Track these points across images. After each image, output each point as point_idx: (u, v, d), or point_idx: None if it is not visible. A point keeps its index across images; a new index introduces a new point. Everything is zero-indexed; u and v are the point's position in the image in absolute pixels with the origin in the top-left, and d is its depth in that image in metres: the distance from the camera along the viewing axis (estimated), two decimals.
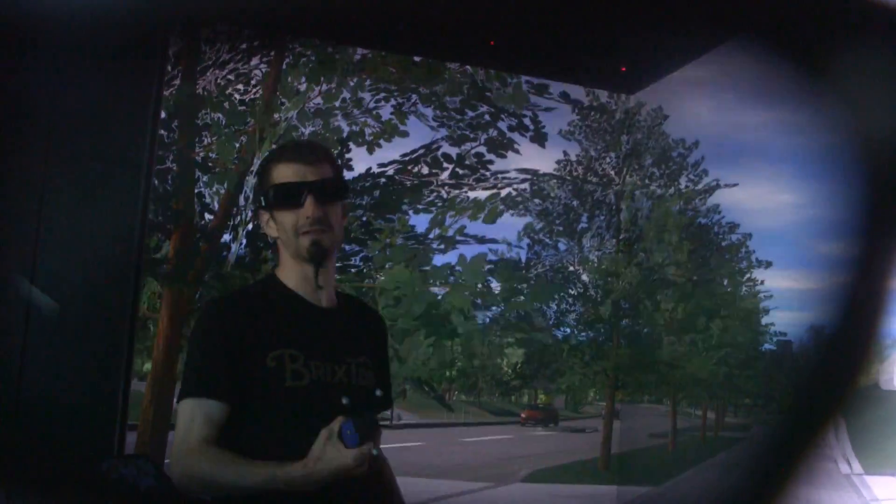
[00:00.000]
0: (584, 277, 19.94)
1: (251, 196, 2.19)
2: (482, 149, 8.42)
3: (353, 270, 8.26)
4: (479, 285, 7.93)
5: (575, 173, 19.80)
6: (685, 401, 34.66)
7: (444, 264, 7.89)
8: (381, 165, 8.60)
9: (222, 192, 8.05)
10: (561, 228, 20.18)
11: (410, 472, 16.03)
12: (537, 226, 19.78)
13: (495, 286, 9.07)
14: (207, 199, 7.97)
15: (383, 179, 8.38)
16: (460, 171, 8.22)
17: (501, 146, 8.39)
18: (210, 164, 7.99)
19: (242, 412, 2.06)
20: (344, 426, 1.91)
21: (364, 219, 8.32)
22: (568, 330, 20.75)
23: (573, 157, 19.75)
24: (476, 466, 17.15)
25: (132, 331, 3.66)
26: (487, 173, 8.54)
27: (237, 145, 8.06)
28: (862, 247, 1.46)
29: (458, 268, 7.98)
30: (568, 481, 16.88)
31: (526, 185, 16.79)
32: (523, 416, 41.66)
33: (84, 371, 3.49)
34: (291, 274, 2.20)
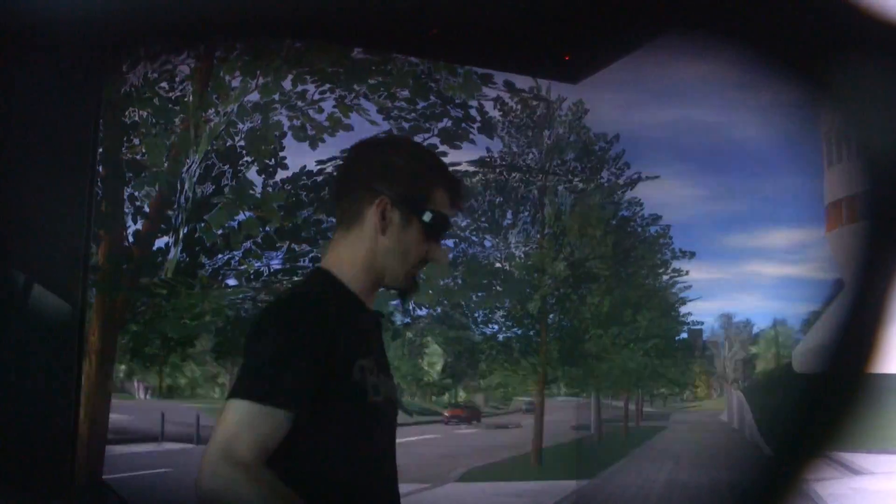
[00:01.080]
0: (512, 273, 19.85)
1: (372, 173, 1.95)
2: (435, 140, 8.14)
3: (302, 272, 7.94)
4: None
5: (499, 169, 19.69)
6: (609, 392, 35.13)
7: None
8: (320, 162, 8.29)
9: (154, 194, 7.63)
10: (486, 225, 20.07)
11: None
12: (462, 223, 19.63)
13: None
14: (139, 202, 7.53)
15: (329, 172, 8.07)
16: None
17: (456, 137, 8.13)
18: (140, 165, 7.56)
19: (308, 428, 1.76)
20: None
21: (310, 215, 7.98)
22: (496, 327, 20.68)
23: (496, 154, 19.63)
24: (406, 468, 16.81)
25: (80, 343, 3.34)
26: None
27: (168, 143, 7.63)
28: (864, 254, 1.29)
29: None
30: (502, 478, 16.77)
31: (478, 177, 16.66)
32: (447, 414, 41.69)
33: (31, 387, 3.18)
34: (359, 275, 1.92)
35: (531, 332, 20.38)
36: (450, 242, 18.31)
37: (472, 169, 14.35)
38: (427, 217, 1.90)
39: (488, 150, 19.07)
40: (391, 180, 1.90)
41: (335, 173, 2.15)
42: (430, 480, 15.70)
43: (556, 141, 20.41)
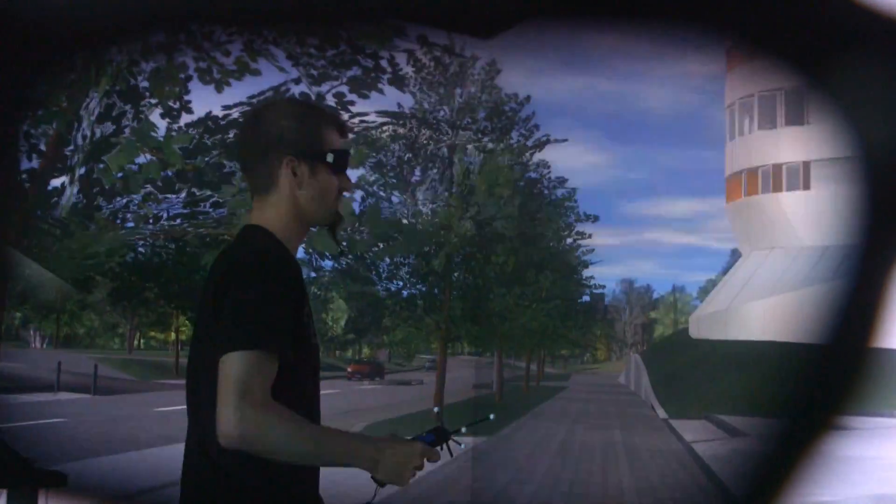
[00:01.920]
0: (415, 226, 19.88)
1: (268, 138, 1.89)
2: (344, 88, 8.01)
3: (202, 217, 7.77)
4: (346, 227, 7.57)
5: (409, 125, 19.61)
6: (511, 352, 35.65)
7: None
8: (226, 108, 8.09)
9: (51, 132, 7.36)
10: (395, 181, 20.02)
11: None
12: (370, 177, 19.54)
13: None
14: (35, 140, 7.26)
15: (234, 118, 7.87)
16: None
17: (365, 86, 8.01)
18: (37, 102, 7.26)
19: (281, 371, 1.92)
20: (426, 436, 2.00)
21: (213, 160, 7.79)
22: (400, 283, 20.70)
23: (406, 109, 19.52)
24: None
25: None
26: (346, 115, 8.18)
27: (67, 81, 7.35)
28: (863, 249, 1.32)
29: None
30: (405, 433, 16.82)
31: (388, 130, 16.48)
32: (350, 370, 41.79)
33: None
34: (286, 232, 2.10)
35: (435, 290, 20.48)
36: (357, 195, 18.19)
37: (380, 120, 14.20)
38: (330, 157, 2.11)
39: (399, 105, 18.96)
40: (289, 140, 2.08)
41: (238, 144, 2.27)
42: None
43: (468, 99, 20.41)
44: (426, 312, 20.51)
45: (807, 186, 31.45)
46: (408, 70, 15.49)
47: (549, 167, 24.18)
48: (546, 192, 25.14)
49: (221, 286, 1.93)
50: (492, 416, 2.27)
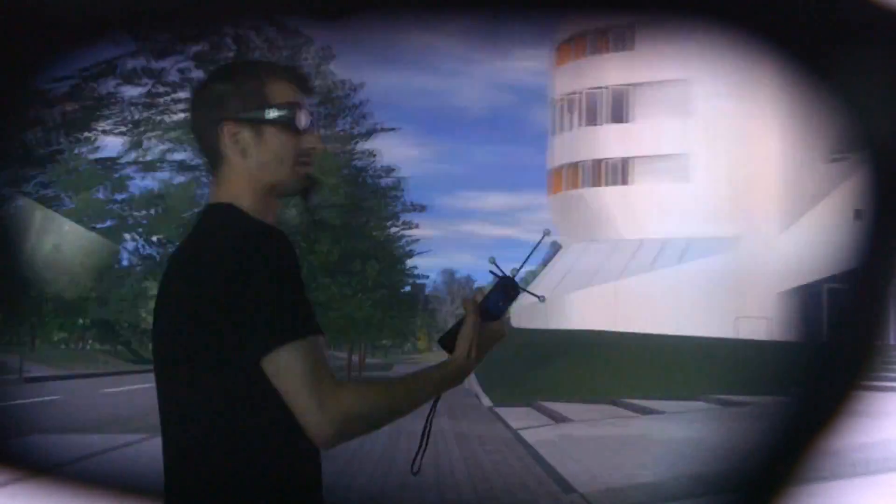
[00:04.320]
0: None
1: (207, 107, 1.59)
2: (189, 63, 7.54)
3: (32, 197, 7.13)
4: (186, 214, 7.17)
5: None
6: (335, 342, 35.39)
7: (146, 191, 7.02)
8: (54, 80, 7.49)
9: None
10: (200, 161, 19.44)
11: (54, 428, 14.73)
12: (177, 157, 18.86)
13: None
14: None
15: (64, 92, 7.28)
16: (161, 89, 7.27)
17: (212, 61, 7.57)
18: None
19: None
20: (489, 300, 1.89)
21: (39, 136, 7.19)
22: None
23: None
24: (126, 418, 16.08)
25: None
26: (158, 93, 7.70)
27: None
28: (865, 249, 1.27)
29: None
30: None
31: None
32: None
33: None
34: (253, 206, 1.83)
35: None
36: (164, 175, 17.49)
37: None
38: (273, 114, 1.83)
39: None
40: (221, 104, 1.84)
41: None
42: (150, 431, 15.07)
43: None
44: None
45: (626, 182, 32.66)
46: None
47: (375, 156, 24.06)
48: (371, 181, 25.02)
49: (217, 281, 1.68)
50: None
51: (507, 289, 1.89)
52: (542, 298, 2.17)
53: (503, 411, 20.27)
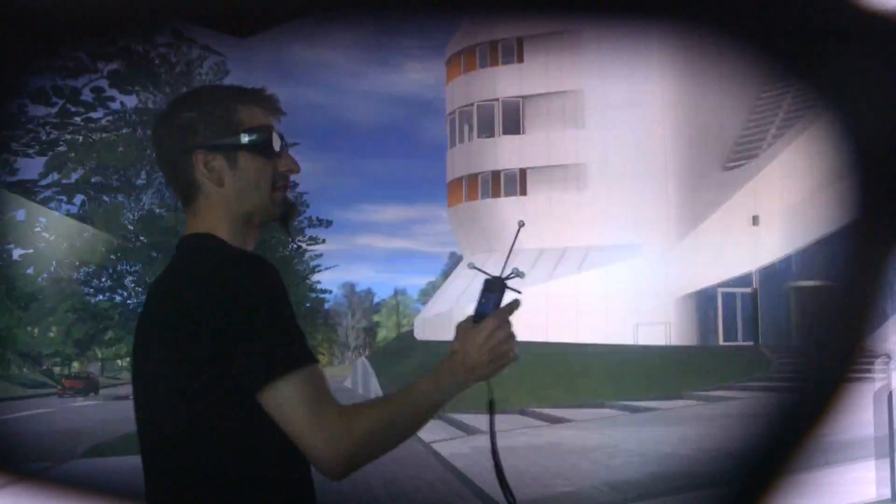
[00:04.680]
0: (142, 238, 18.88)
1: (175, 137, 1.50)
2: (103, 82, 7.31)
3: None
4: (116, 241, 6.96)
5: (133, 126, 18.57)
6: None
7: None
8: None
9: None
10: (117, 184, 18.92)
11: None
12: (93, 180, 18.32)
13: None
14: None
15: None
16: (72, 108, 7.02)
17: (128, 80, 7.37)
18: None
19: None
20: (478, 304, 1.78)
21: None
22: (125, 293, 19.59)
23: (129, 108, 18.46)
24: (25, 448, 15.55)
25: None
26: (98, 114, 7.49)
27: None
28: (860, 247, 1.32)
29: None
30: (130, 452, 15.90)
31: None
32: (63, 385, 39.13)
33: None
34: (232, 235, 1.77)
35: None
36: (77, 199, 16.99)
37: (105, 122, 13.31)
38: (245, 139, 1.77)
39: (122, 104, 17.91)
40: (191, 132, 1.76)
41: (154, 151, 1.91)
42: (51, 458, 14.55)
43: None
44: None
45: (524, 192, 33.06)
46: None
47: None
48: None
49: (205, 314, 1.60)
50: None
51: (492, 285, 1.80)
52: (519, 274, 2.03)
53: None
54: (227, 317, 1.59)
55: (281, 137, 1.81)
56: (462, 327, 1.80)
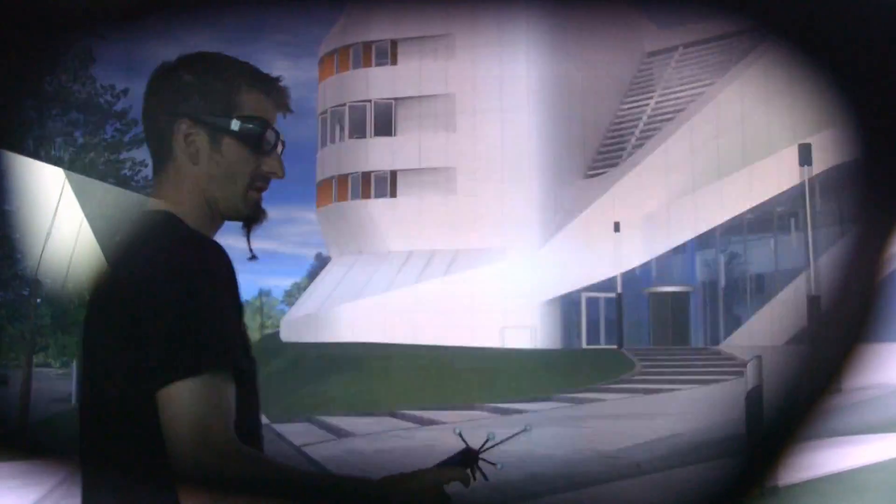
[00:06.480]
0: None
1: (165, 96, 1.32)
2: None
3: None
4: None
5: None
6: None
7: None
8: None
9: None
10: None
11: None
12: None
13: None
14: None
15: None
16: None
17: None
18: None
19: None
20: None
21: None
22: None
23: None
24: None
25: None
26: None
27: None
28: (859, 240, 1.36)
29: None
30: None
31: None
32: None
33: None
34: (195, 219, 1.64)
35: (24, 293, 18.70)
36: None
37: None
38: (236, 126, 1.63)
39: None
40: (186, 98, 1.63)
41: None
42: None
43: (58, 89, 18.84)
44: (9, 321, 18.61)
45: (394, 194, 33.04)
46: None
47: (147, 165, 23.11)
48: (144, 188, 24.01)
49: (136, 298, 1.46)
50: (528, 427, 1.85)
51: (466, 457, 1.68)
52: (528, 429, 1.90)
53: (281, 428, 19.95)
54: (149, 302, 1.46)
55: (277, 136, 1.68)
56: (405, 475, 1.60)
